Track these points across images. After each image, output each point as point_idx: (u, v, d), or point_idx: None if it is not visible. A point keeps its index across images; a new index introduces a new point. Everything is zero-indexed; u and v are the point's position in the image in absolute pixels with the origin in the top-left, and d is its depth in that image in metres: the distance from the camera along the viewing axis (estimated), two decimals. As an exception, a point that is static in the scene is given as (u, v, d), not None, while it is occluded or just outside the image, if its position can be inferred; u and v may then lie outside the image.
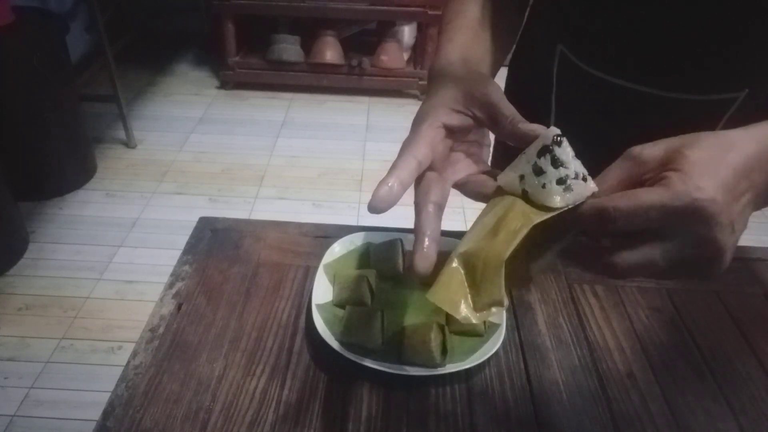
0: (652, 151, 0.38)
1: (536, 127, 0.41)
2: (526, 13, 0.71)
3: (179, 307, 0.67)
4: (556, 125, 0.75)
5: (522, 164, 0.40)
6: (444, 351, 0.60)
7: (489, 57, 0.57)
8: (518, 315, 0.68)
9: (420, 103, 0.49)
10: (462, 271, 0.40)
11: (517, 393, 0.60)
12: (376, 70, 2.98)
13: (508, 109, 0.43)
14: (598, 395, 0.60)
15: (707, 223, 0.35)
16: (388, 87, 3.06)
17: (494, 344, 0.61)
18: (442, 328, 0.61)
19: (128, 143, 2.55)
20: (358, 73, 2.97)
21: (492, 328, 0.64)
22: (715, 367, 0.64)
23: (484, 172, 0.46)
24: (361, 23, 3.11)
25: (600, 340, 0.66)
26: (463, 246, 0.40)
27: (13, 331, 1.69)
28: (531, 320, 0.68)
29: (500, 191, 0.42)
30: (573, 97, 0.72)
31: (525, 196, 0.39)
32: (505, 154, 0.49)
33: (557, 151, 0.38)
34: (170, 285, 0.70)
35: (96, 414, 0.55)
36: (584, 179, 0.38)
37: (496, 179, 0.43)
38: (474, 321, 0.39)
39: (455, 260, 0.40)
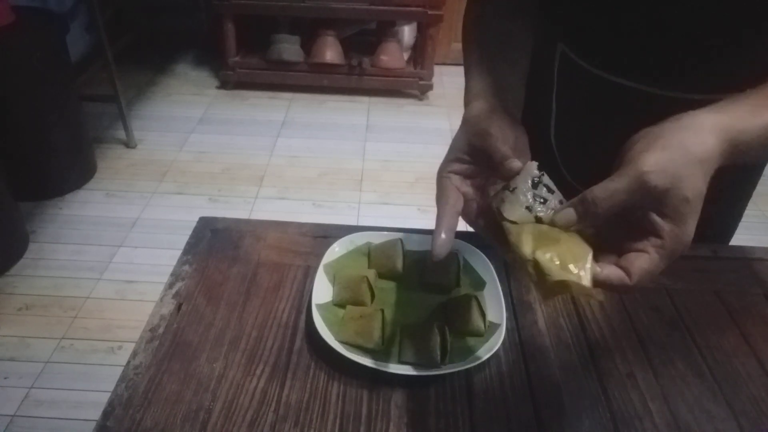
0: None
1: (516, 163, 0.48)
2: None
3: (179, 307, 0.67)
4: (557, 124, 0.76)
5: (520, 198, 0.46)
6: (444, 351, 0.60)
7: (514, 77, 0.61)
8: (518, 315, 0.68)
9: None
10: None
11: (517, 393, 0.60)
12: (376, 70, 2.98)
13: (497, 154, 0.49)
14: (598, 395, 0.60)
15: (659, 191, 0.41)
16: (388, 87, 3.05)
17: (494, 344, 0.61)
18: (442, 328, 0.61)
19: (128, 143, 2.55)
20: (358, 73, 2.97)
21: (492, 328, 0.64)
22: (715, 367, 0.64)
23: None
24: (361, 23, 3.11)
25: (600, 340, 0.66)
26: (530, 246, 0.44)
27: (13, 331, 1.69)
28: (531, 320, 0.68)
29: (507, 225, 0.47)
30: (573, 96, 0.72)
31: (539, 221, 0.46)
32: None
33: (545, 179, 0.47)
34: (170, 285, 0.70)
35: (96, 414, 0.55)
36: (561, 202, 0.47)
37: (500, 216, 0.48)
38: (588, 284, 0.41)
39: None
